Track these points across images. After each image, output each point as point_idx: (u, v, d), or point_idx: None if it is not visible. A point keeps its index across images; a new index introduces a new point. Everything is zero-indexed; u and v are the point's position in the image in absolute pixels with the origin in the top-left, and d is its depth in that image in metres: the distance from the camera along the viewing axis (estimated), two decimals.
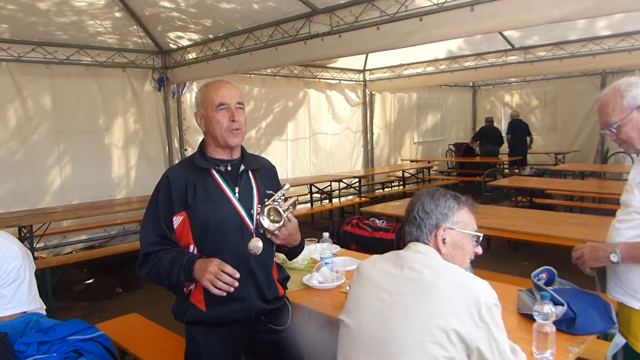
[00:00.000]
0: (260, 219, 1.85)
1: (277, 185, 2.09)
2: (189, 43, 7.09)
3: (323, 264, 2.65)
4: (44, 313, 2.33)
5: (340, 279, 2.58)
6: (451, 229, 1.59)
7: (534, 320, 1.83)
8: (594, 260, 1.97)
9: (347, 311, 1.59)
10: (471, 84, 13.73)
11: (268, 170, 2.14)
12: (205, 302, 1.92)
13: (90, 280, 5.92)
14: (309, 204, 8.85)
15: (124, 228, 7.27)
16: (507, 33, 7.69)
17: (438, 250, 1.58)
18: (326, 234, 2.83)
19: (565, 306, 1.85)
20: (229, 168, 2.00)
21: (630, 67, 9.40)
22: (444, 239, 1.58)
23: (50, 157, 6.56)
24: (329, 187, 8.86)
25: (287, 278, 2.20)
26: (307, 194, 8.73)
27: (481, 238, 1.63)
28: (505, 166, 11.33)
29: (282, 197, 1.94)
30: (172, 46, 7.30)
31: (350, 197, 9.85)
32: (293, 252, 2.14)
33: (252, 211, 1.94)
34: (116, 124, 7.18)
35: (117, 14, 6.27)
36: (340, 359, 1.55)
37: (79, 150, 6.76)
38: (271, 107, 9.03)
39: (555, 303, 1.85)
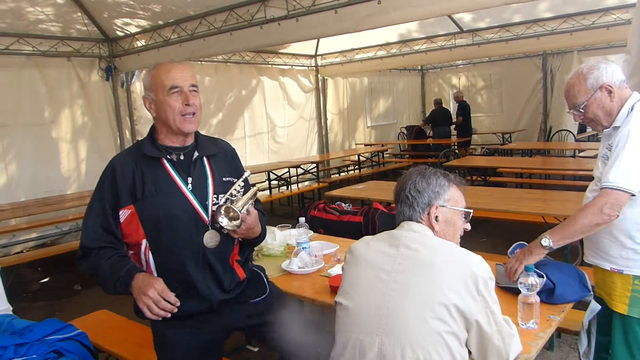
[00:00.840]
0: (219, 220, 1.73)
1: (237, 170, 1.93)
2: (138, 30, 6.81)
3: (301, 249, 2.64)
4: (11, 314, 2.22)
5: (319, 263, 2.59)
6: (443, 206, 1.61)
7: (514, 293, 1.90)
8: (528, 256, 2.02)
9: (344, 293, 1.59)
10: (419, 68, 13.98)
11: (227, 154, 1.98)
12: None
13: (46, 279, 5.66)
14: (267, 191, 8.79)
15: (77, 224, 6.95)
16: (456, 16, 7.85)
17: (431, 227, 1.60)
18: (302, 219, 2.82)
19: (545, 277, 1.94)
20: (182, 157, 1.86)
21: (569, 47, 9.88)
22: (436, 217, 1.61)
23: None
24: (287, 174, 8.83)
25: (251, 252, 2.10)
26: (265, 181, 8.66)
27: (471, 214, 1.66)
28: (455, 147, 11.67)
29: (240, 191, 1.81)
30: (119, 33, 7.00)
31: (307, 183, 9.86)
32: (253, 243, 1.98)
33: (206, 202, 1.82)
34: (63, 117, 6.83)
35: (59, 0, 5.94)
36: (339, 341, 1.56)
37: (24, 145, 6.40)
38: (225, 97, 8.88)
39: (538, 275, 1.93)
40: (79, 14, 6.35)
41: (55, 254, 5.71)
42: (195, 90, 1.84)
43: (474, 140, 12.18)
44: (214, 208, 1.80)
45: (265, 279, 2.09)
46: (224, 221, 1.72)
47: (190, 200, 1.79)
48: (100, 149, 7.21)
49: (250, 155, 9.34)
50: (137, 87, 7.57)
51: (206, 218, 1.80)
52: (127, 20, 6.65)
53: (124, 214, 1.78)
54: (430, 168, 1.67)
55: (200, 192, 1.81)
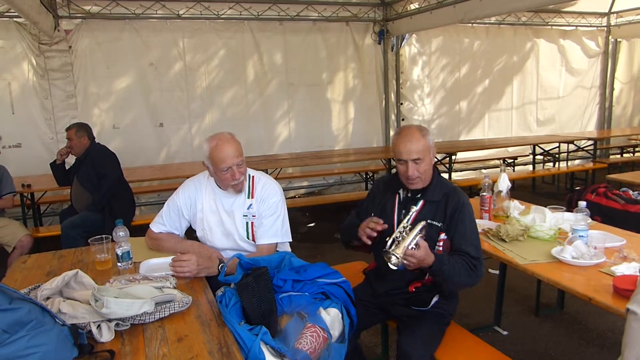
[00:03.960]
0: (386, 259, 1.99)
1: (451, 221, 2.21)
2: None
3: (577, 237, 2.33)
4: (290, 252, 2.52)
5: (599, 256, 2.24)
6: None
7: None
8: None
9: None
10: None
11: (452, 204, 2.23)
12: None
13: (312, 224, 6.42)
14: (530, 167, 8.14)
15: (340, 178, 7.70)
16: None
17: None
18: (583, 203, 2.48)
19: None
20: (409, 194, 2.32)
21: None
22: None
23: (279, 110, 7.18)
24: (557, 149, 7.97)
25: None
26: (529, 155, 8.01)
27: None
28: None
29: (405, 230, 2.08)
30: None
31: (578, 162, 8.77)
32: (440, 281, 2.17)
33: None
34: (337, 78, 7.48)
35: None
36: (630, 356, 1.31)
37: (304, 103, 7.27)
38: (494, 62, 8.42)
39: None
40: None
41: (322, 203, 6.43)
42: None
43: None
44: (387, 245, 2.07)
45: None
46: (392, 259, 1.99)
47: (394, 223, 2.27)
48: (367, 110, 7.70)
49: (516, 125, 8.74)
50: (406, 50, 7.76)
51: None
52: None
53: None
54: None
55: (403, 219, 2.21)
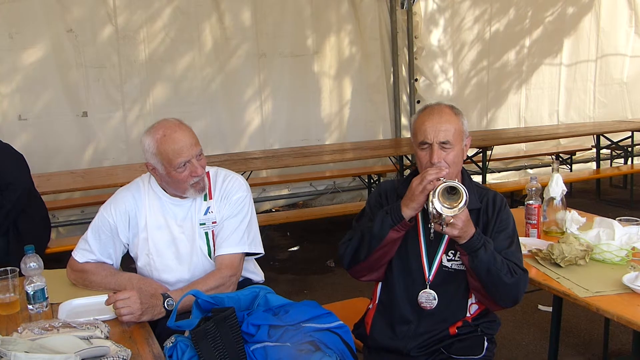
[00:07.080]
0: (431, 202, 2.05)
1: (494, 226, 2.30)
2: None
3: None
4: (266, 286, 2.53)
5: None
6: None
7: None
8: None
9: None
10: None
11: (491, 207, 2.35)
12: None
13: (295, 248, 6.45)
14: (592, 164, 8.21)
15: (334, 183, 7.72)
16: None
17: None
18: None
19: None
20: None
21: None
22: None
23: (249, 89, 7.20)
24: (629, 140, 8.06)
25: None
26: (590, 149, 8.09)
27: None
28: None
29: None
30: None
31: None
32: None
33: (434, 259, 2.31)
34: (328, 45, 7.53)
35: None
36: None
37: (282, 79, 7.33)
38: (541, 16, 8.55)
39: None
40: None
41: (308, 218, 6.42)
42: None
43: None
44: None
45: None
46: (437, 204, 2.05)
47: (421, 251, 2.33)
48: (368, 90, 7.75)
49: (565, 104, 8.90)
50: (421, 7, 7.83)
51: (427, 276, 2.30)
52: None
53: None
54: None
55: (433, 246, 2.31)
